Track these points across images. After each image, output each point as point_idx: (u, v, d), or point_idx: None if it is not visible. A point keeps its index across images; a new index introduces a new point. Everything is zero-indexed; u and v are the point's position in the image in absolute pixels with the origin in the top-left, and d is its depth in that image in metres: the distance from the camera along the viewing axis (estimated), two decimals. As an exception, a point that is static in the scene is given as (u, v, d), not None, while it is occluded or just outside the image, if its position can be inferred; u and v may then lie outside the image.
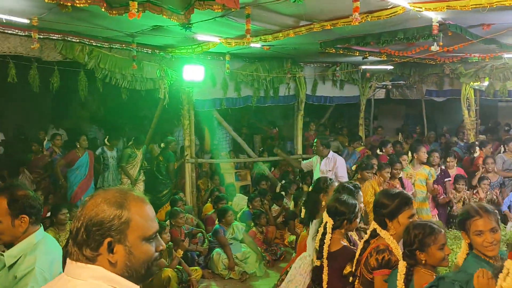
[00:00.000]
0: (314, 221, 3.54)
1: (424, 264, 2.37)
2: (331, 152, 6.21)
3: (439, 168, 6.40)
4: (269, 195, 8.01)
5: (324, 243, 3.03)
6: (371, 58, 7.96)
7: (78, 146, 7.45)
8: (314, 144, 6.22)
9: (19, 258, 2.02)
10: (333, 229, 3.06)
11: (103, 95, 9.16)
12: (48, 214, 5.89)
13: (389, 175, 5.59)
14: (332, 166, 5.98)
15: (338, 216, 3.07)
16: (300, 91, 9.41)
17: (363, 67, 9.70)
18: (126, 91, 7.16)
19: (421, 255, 2.36)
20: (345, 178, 5.82)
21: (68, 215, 5.58)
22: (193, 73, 7.53)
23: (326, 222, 3.10)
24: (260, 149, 10.39)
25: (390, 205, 2.69)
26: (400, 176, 5.72)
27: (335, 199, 3.14)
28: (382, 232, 2.67)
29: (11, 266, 2.01)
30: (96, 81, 6.60)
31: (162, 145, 8.24)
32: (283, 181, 8.96)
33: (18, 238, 2.07)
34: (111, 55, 6.58)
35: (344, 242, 3.09)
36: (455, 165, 6.70)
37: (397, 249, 2.57)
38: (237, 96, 8.48)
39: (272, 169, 9.70)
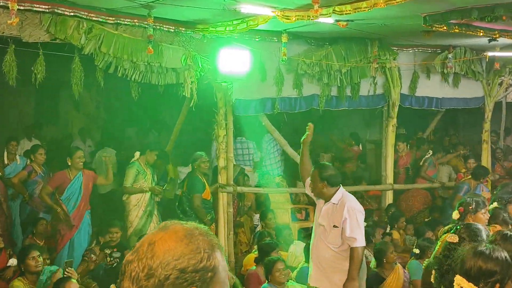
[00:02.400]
0: None
1: None
2: (340, 191, 5.46)
3: None
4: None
5: None
6: (502, 40, 7.87)
7: (70, 164, 7.66)
8: (310, 176, 5.59)
9: None
10: None
11: (105, 92, 9.46)
12: (12, 262, 6.13)
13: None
14: (338, 219, 5.33)
15: (484, 279, 3.00)
16: (392, 89, 9.44)
17: (490, 53, 9.57)
18: (137, 87, 7.35)
19: None
20: (359, 242, 5.24)
21: (40, 259, 5.80)
22: (233, 61, 7.63)
23: None
24: None
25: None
26: None
27: (475, 254, 3.07)
28: None
29: None
30: (96, 71, 6.79)
31: (186, 168, 8.34)
32: (364, 224, 8.86)
33: None
34: (118, 34, 6.76)
35: None
36: None
37: None
38: (297, 96, 8.72)
39: None
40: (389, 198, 9.68)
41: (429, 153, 10.49)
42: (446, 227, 5.86)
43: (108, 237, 7.26)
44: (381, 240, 7.94)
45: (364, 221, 8.69)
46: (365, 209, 9.46)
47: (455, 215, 5.59)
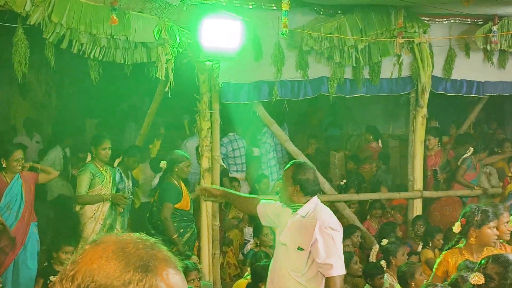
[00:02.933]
0: None
1: None
2: (312, 201, 5.26)
3: None
4: (359, 264, 8.06)
5: None
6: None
7: (5, 165, 7.64)
8: (282, 175, 5.50)
9: None
10: None
11: (57, 73, 9.39)
12: None
13: None
14: (305, 240, 5.09)
15: None
16: (421, 71, 9.43)
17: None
18: (98, 66, 7.34)
19: None
20: (337, 270, 5.09)
21: None
22: (220, 34, 7.58)
23: None
24: (343, 181, 10.56)
25: None
26: None
27: None
28: None
29: None
30: (45, 46, 6.75)
31: (163, 163, 8.29)
32: (384, 241, 8.84)
33: None
34: (73, 0, 6.73)
35: None
36: None
37: None
38: (302, 79, 8.73)
39: (368, 216, 10.08)
40: (417, 208, 9.70)
41: (469, 151, 10.43)
42: (448, 245, 5.84)
43: (58, 258, 7.21)
44: (407, 260, 7.94)
45: (383, 237, 8.83)
46: (387, 222, 9.87)
47: (456, 228, 5.56)
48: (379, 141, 11.97)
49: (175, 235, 7.95)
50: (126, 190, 8.65)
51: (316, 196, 5.31)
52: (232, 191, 6.61)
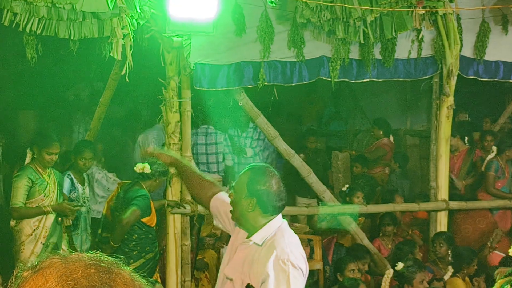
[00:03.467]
0: None
1: None
2: (275, 223, 4.86)
3: None
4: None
5: None
6: None
7: None
8: (233, 186, 5.04)
9: None
10: None
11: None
12: None
13: None
14: (256, 275, 4.67)
15: None
16: (446, 50, 9.44)
17: None
18: (35, 42, 7.35)
19: None
20: None
21: None
22: (192, 1, 7.59)
23: None
24: (346, 187, 10.57)
25: None
26: None
27: None
28: None
29: None
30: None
31: (141, 168, 8.29)
32: (399, 265, 8.86)
33: None
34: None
35: None
36: None
37: None
38: (296, 59, 8.79)
39: (380, 234, 10.16)
40: (441, 222, 9.72)
41: (492, 152, 10.50)
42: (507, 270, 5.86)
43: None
44: (429, 289, 7.98)
45: (399, 259, 8.85)
46: (404, 241, 9.82)
47: None
48: (390, 138, 12.00)
49: (118, 244, 8.06)
50: (81, 199, 8.68)
51: (279, 216, 4.87)
52: (187, 162, 6.20)
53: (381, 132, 11.82)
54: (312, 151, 11.64)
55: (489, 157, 10.44)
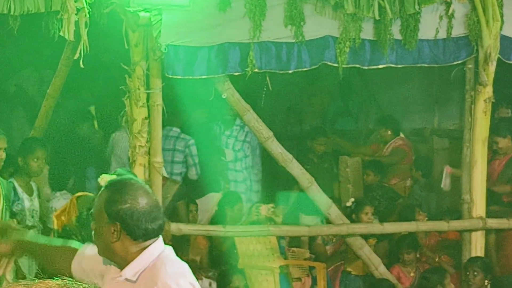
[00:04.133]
0: None
1: None
2: (152, 250, 4.70)
3: None
4: None
5: None
6: None
7: None
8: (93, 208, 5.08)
9: None
10: None
11: None
12: None
13: None
14: None
15: None
16: (483, 28, 9.42)
17: None
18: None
19: None
20: None
21: None
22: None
23: None
24: (351, 201, 10.64)
25: None
26: None
27: None
28: None
29: None
30: None
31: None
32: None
33: None
34: None
35: None
36: None
37: None
38: (293, 40, 8.87)
39: (400, 259, 10.19)
40: (477, 244, 9.70)
41: None
42: None
43: None
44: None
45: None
46: (431, 268, 9.89)
47: None
48: (401, 135, 12.11)
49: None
50: (28, 213, 8.69)
51: (158, 241, 4.69)
52: (35, 238, 5.81)
53: (389, 132, 11.93)
54: (317, 156, 11.61)
55: None
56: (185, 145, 10.21)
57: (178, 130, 10.01)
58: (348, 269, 9.76)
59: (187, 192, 10.22)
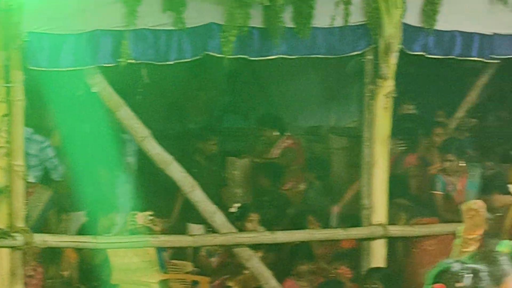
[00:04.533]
0: None
1: None
2: None
3: None
4: None
5: None
6: None
7: None
8: None
9: None
10: None
11: None
12: None
13: None
14: None
15: None
16: (384, 16, 9.52)
17: None
18: None
19: None
20: None
21: None
22: None
23: None
24: (235, 207, 10.68)
25: None
26: None
27: None
28: None
29: None
30: None
31: None
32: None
33: None
34: None
35: None
36: None
37: None
38: (173, 27, 8.90)
39: (292, 272, 10.14)
40: (377, 254, 9.82)
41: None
42: None
43: None
44: None
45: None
46: (327, 281, 9.99)
47: None
48: (287, 135, 12.14)
49: None
50: None
51: None
52: None
53: (275, 133, 12.02)
54: (205, 157, 11.65)
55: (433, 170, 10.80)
56: (39, 148, 10.10)
57: (30, 130, 9.75)
58: (229, 284, 9.80)
59: (60, 200, 10.18)
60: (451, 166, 10.76)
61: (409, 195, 10.99)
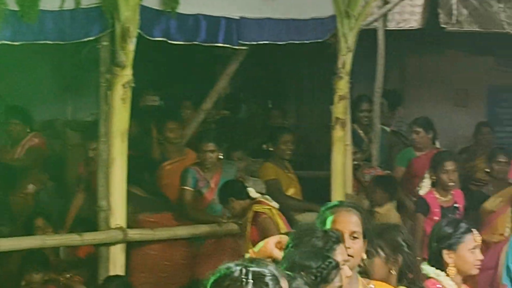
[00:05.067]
0: None
1: None
2: None
3: None
4: None
5: None
6: None
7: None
8: None
9: None
10: None
11: None
12: None
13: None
14: None
15: None
16: None
17: None
18: None
19: None
20: None
21: None
22: None
23: None
24: None
25: None
26: None
27: None
28: None
29: None
30: None
31: None
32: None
33: None
34: None
35: None
36: None
37: None
38: (58, 8, 9.19)
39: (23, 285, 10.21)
40: (117, 261, 10.02)
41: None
42: None
43: None
44: None
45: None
46: None
47: None
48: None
49: None
50: None
51: None
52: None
53: (18, 128, 12.03)
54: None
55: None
56: None
57: None
58: None
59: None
60: (210, 158, 11.18)
61: (147, 186, 11.36)
